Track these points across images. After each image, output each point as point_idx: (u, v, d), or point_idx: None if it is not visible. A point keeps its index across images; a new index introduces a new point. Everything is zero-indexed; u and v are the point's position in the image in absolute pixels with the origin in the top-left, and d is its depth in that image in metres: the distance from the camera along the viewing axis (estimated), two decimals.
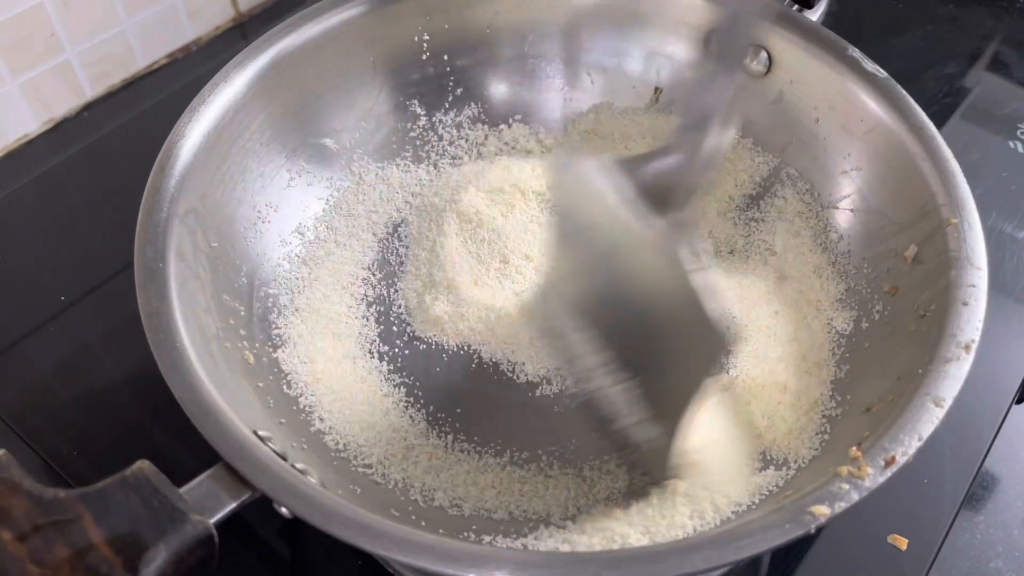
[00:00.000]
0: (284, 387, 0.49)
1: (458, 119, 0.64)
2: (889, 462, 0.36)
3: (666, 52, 0.63)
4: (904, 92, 0.52)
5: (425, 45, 0.61)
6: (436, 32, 0.61)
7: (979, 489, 0.51)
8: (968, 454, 0.51)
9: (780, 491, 0.42)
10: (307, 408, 0.49)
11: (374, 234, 0.60)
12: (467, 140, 0.64)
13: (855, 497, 0.35)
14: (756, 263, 0.58)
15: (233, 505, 0.35)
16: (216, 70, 0.52)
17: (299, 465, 0.39)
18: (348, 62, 0.59)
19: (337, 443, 0.48)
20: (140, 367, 0.54)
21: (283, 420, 0.45)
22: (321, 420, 0.49)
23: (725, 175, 0.61)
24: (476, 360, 0.54)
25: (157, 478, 0.34)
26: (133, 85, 0.73)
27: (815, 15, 0.76)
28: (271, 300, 0.53)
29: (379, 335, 0.55)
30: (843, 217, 0.55)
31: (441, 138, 0.63)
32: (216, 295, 0.47)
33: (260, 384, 0.46)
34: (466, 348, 0.55)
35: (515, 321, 0.55)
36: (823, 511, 0.35)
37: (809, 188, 0.58)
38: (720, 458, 0.46)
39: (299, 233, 0.57)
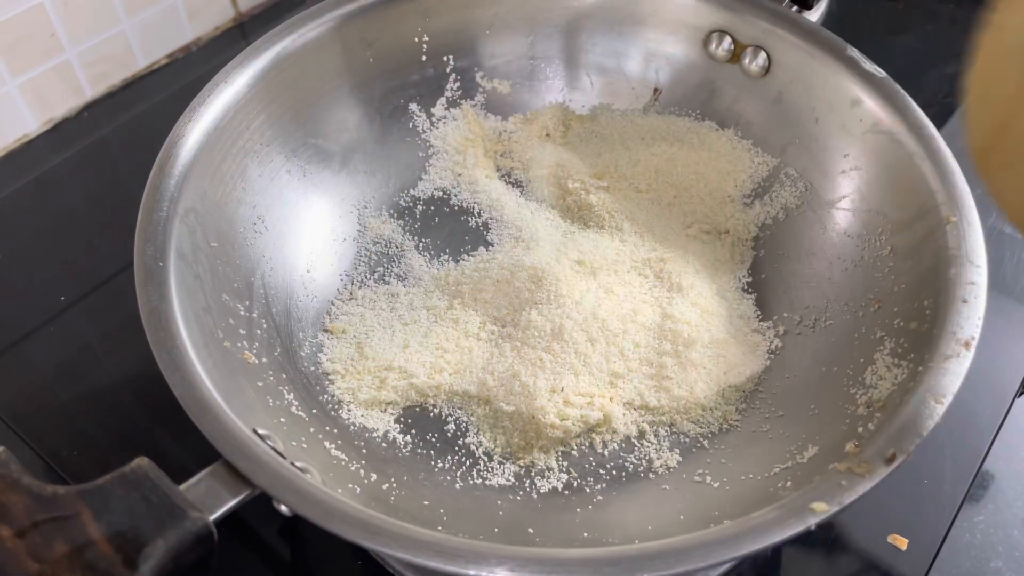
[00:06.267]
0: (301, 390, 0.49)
1: (457, 120, 0.64)
2: (889, 459, 0.36)
3: (666, 53, 0.63)
4: (903, 92, 0.53)
5: (425, 46, 0.61)
6: (436, 33, 0.61)
7: (979, 489, 0.51)
8: (968, 454, 0.51)
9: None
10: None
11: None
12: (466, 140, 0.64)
13: (855, 493, 0.35)
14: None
15: (232, 502, 0.35)
16: (216, 70, 0.52)
17: (299, 463, 0.39)
18: (348, 63, 0.59)
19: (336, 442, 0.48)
20: (140, 367, 0.55)
21: (283, 419, 0.45)
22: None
23: (725, 175, 0.61)
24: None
25: (156, 475, 0.34)
26: (133, 85, 0.74)
27: (815, 15, 0.76)
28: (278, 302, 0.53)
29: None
30: (842, 216, 0.55)
31: (440, 139, 0.63)
32: (216, 295, 0.47)
33: (260, 384, 0.46)
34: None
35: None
36: (823, 507, 0.35)
37: (808, 188, 0.58)
38: None
39: (299, 234, 0.57)
